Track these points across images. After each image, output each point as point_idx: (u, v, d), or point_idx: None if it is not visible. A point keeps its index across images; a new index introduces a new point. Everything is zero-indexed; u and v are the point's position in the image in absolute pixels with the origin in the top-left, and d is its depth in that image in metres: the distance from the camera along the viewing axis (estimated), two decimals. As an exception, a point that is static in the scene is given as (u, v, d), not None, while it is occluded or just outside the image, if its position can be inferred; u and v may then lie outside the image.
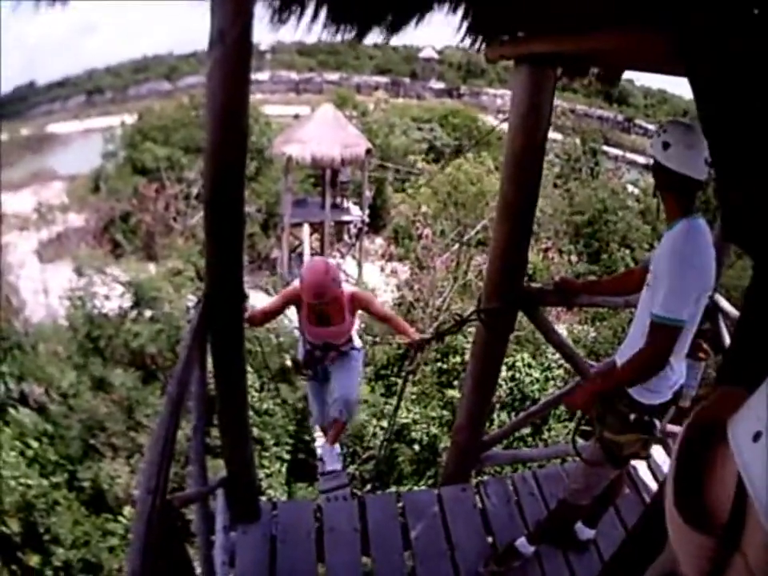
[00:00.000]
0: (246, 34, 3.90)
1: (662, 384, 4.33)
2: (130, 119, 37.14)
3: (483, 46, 5.27)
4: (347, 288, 7.02)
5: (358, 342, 7.66)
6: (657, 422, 4.50)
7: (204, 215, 4.68)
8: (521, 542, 5.83)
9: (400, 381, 9.95)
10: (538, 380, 13.29)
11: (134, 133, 34.38)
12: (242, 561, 5.73)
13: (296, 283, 6.90)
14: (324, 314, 6.96)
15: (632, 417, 4.43)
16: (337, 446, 8.06)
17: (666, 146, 4.06)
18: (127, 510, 11.21)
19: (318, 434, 9.13)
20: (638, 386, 4.34)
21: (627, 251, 23.24)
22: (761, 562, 1.16)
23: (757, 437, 1.17)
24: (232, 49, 3.87)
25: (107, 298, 16.28)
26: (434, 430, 12.92)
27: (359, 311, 7.41)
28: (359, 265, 27.21)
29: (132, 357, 15.06)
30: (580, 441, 5.57)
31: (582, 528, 5.99)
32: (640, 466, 7.03)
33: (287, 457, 13.16)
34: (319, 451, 8.69)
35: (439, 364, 15.02)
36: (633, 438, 4.54)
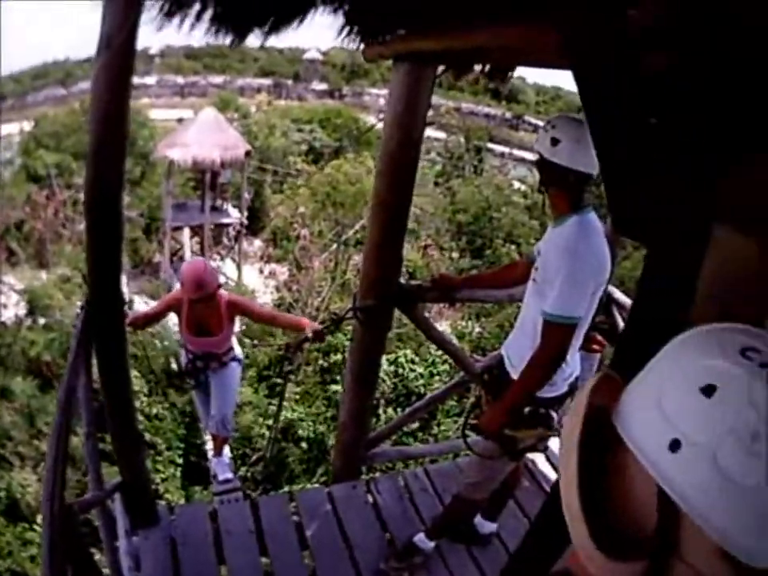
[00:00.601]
0: (131, 39, 3.93)
1: (557, 377, 4.35)
2: (28, 126, 36.74)
3: (363, 45, 5.32)
4: (224, 294, 7.15)
5: (238, 351, 7.84)
6: (553, 414, 4.53)
7: (85, 221, 4.71)
8: (419, 537, 5.87)
9: (282, 382, 10.03)
10: (422, 375, 13.54)
11: (29, 140, 34.13)
12: (146, 565, 5.69)
13: (176, 287, 7.05)
14: (203, 324, 7.11)
15: (527, 410, 4.46)
16: (225, 452, 8.43)
17: (555, 141, 4.09)
18: (40, 518, 11.09)
19: (209, 436, 8.99)
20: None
21: (513, 246, 23.46)
22: (714, 566, 1.13)
23: (674, 446, 1.15)
24: (117, 54, 3.92)
25: (4, 306, 16.16)
26: (320, 427, 13.16)
27: (238, 317, 7.83)
28: (238, 267, 27.51)
29: (29, 365, 15.06)
30: (472, 435, 5.62)
31: (482, 522, 6.04)
32: (538, 458, 7.16)
33: (180, 461, 13.22)
34: (211, 461, 8.71)
35: (321, 362, 15.13)
36: (529, 433, 4.57)
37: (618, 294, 6.74)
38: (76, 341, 4.63)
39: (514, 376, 4.56)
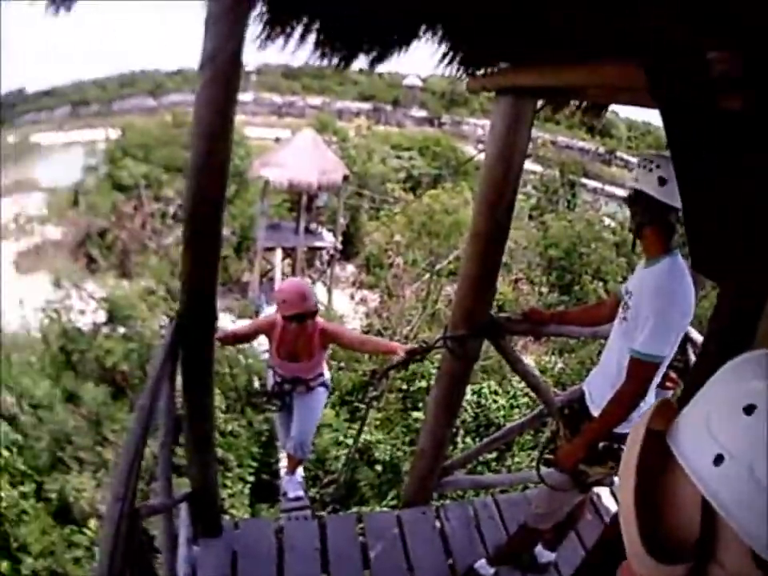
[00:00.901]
0: (237, 55, 3.95)
1: (634, 413, 4.29)
2: (114, 134, 36.96)
3: (465, 76, 5.32)
4: (318, 321, 6.91)
5: (327, 376, 7.62)
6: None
7: (183, 234, 4.71)
8: (480, 563, 5.89)
9: (364, 407, 9.95)
10: (503, 407, 13.31)
11: (115, 148, 34.04)
12: (203, 574, 5.73)
13: (266, 311, 6.98)
14: (294, 349, 6.91)
15: (601, 445, 4.46)
16: (298, 472, 8.36)
17: (662, 181, 4.03)
18: (93, 522, 11.17)
19: (284, 454, 8.98)
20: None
21: (600, 283, 23.11)
22: (743, 567, 1.21)
23: (718, 460, 1.21)
24: (222, 70, 3.93)
25: (82, 312, 16.27)
26: (397, 452, 12.95)
27: (330, 344, 7.45)
28: (329, 291, 27.07)
29: (103, 372, 15.05)
30: (543, 468, 5.60)
31: (542, 551, 6.01)
32: (603, 492, 7.07)
33: (250, 478, 13.11)
34: (283, 479, 8.74)
35: (404, 386, 15.02)
36: (602, 468, 4.59)
37: (694, 333, 6.60)
38: (164, 349, 4.64)
39: (594, 413, 4.57)
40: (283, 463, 9.25)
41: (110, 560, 2.95)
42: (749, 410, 1.19)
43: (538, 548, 6.01)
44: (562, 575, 6.04)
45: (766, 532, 1.13)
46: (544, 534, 5.60)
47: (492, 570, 5.88)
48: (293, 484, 8.21)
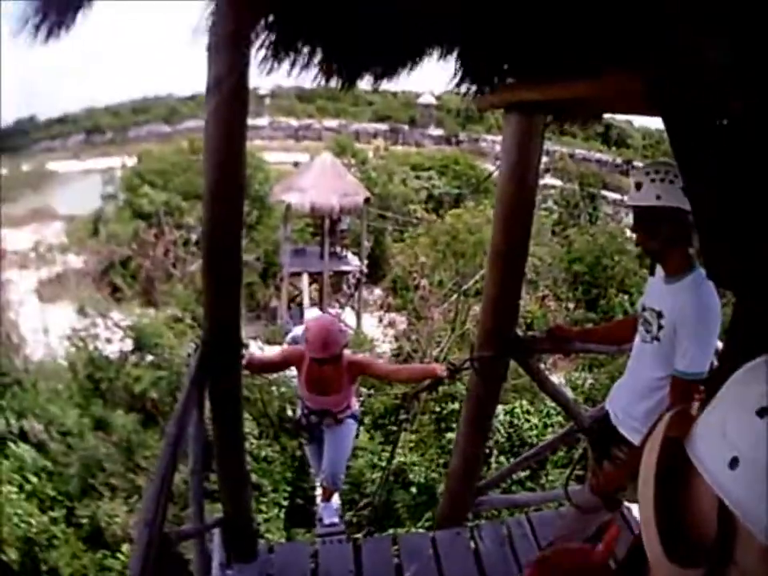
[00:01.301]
0: (243, 80, 4.04)
1: None
2: (130, 161, 37.07)
3: (474, 93, 5.33)
4: (347, 354, 6.79)
5: (355, 407, 7.62)
6: None
7: (203, 262, 4.80)
8: None
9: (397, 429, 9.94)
10: (536, 426, 13.26)
11: (132, 176, 34.23)
12: (237, 598, 5.71)
13: (297, 333, 6.96)
14: (322, 382, 6.74)
15: None
16: (335, 499, 8.42)
17: (672, 181, 3.93)
18: (125, 547, 11.15)
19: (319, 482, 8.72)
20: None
21: (625, 296, 23.00)
22: (761, 569, 1.23)
23: (733, 463, 1.23)
24: (229, 96, 3.98)
25: (109, 341, 16.33)
26: (432, 474, 12.90)
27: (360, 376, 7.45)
28: (358, 315, 27.05)
29: (132, 400, 15.07)
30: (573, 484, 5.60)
31: None
32: (635, 507, 7.02)
33: (285, 503, 13.09)
34: (319, 506, 8.75)
35: (437, 409, 14.98)
36: (633, 486, 4.56)
37: (717, 343, 6.64)
38: (189, 379, 4.69)
39: (624, 432, 4.54)
40: (318, 491, 9.28)
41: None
42: (762, 413, 1.22)
43: None
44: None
45: None
46: None
47: None
48: (329, 511, 8.23)
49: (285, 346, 7.77)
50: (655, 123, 63.34)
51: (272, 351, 8.36)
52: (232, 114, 4.13)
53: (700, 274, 4.00)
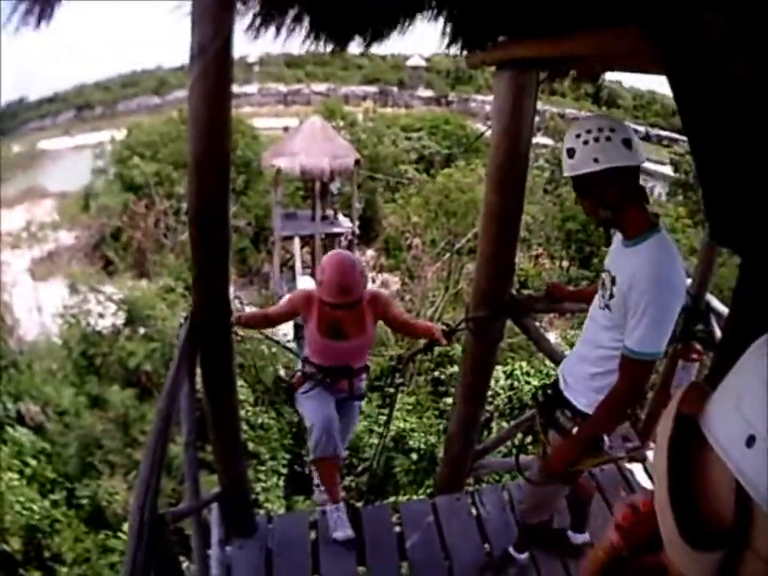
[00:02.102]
0: (226, 47, 3.90)
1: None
2: (120, 135, 37.02)
3: (465, 52, 5.25)
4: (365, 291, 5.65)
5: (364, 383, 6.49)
6: (605, 438, 4.23)
7: (189, 232, 4.69)
8: (512, 549, 5.80)
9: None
10: (536, 387, 13.26)
11: (122, 149, 34.16)
12: (237, 575, 5.75)
13: (305, 286, 6.37)
14: (341, 327, 5.65)
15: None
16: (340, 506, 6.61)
17: (628, 143, 3.58)
18: (126, 526, 11.14)
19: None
20: (591, 403, 4.18)
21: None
22: None
23: (750, 441, 1.19)
24: (212, 63, 3.87)
25: (101, 315, 16.29)
26: (431, 438, 12.93)
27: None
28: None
29: (127, 374, 15.12)
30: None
31: (573, 535, 5.93)
32: (636, 468, 7.04)
33: (284, 471, 13.10)
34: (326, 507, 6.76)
35: (435, 373, 14.97)
36: (588, 462, 4.37)
37: (716, 303, 6.49)
38: (180, 350, 4.63)
39: (572, 399, 4.38)
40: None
41: (131, 571, 2.94)
42: None
43: (569, 532, 5.94)
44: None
45: None
46: (548, 521, 5.52)
47: (524, 555, 5.79)
48: (341, 523, 6.44)
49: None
50: (645, 84, 63.71)
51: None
52: (216, 81, 4.02)
53: (661, 237, 3.76)
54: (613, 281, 3.90)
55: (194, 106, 4.11)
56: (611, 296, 3.90)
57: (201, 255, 4.67)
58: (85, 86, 69.17)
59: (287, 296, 6.34)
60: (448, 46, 5.06)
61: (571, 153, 3.71)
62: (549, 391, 4.77)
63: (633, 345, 3.67)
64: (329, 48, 4.53)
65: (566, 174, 3.83)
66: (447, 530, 6.28)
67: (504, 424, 12.44)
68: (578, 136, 3.67)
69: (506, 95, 5.15)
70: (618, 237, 4.05)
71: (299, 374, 6.15)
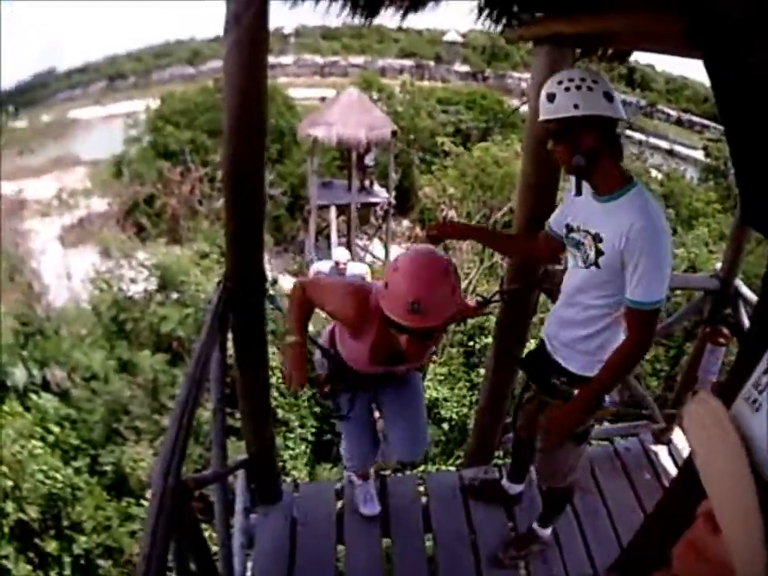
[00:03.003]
0: (262, 17, 3.89)
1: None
2: (153, 104, 37.08)
3: (503, 27, 5.21)
4: None
5: None
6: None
7: (225, 200, 4.72)
8: (536, 524, 5.77)
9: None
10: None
11: (156, 117, 34.29)
12: (261, 543, 5.75)
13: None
14: (400, 348, 3.99)
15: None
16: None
17: (609, 96, 3.67)
18: (149, 493, 11.15)
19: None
20: (585, 365, 4.24)
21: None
22: None
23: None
24: (247, 32, 3.87)
25: (133, 281, 16.31)
26: (464, 409, 13.01)
27: None
28: (386, 247, 27.20)
29: (158, 340, 15.14)
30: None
31: (538, 528, 5.80)
32: (661, 450, 7.01)
33: (312, 438, 13.13)
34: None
35: (469, 344, 14.95)
36: (603, 412, 4.45)
37: (744, 289, 6.50)
38: (211, 315, 4.59)
39: (558, 358, 4.40)
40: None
41: (153, 537, 2.91)
42: None
43: (535, 524, 5.81)
44: (620, 537, 5.94)
45: None
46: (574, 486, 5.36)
47: (548, 531, 5.74)
48: (368, 497, 6.14)
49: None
50: (678, 68, 63.61)
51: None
52: (251, 50, 4.01)
53: (640, 190, 3.81)
54: (596, 238, 3.89)
55: (229, 73, 4.11)
56: (599, 253, 3.87)
57: (235, 221, 4.67)
58: (117, 56, 69.37)
59: (331, 280, 5.80)
60: (485, 20, 5.02)
61: (551, 97, 3.74)
62: (535, 359, 4.75)
63: (640, 297, 3.69)
64: (362, 19, 4.52)
65: (542, 117, 3.84)
66: (472, 503, 6.26)
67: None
68: (560, 83, 3.71)
69: (542, 70, 5.05)
70: (585, 195, 3.99)
71: (322, 373, 4.99)
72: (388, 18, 4.64)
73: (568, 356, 4.34)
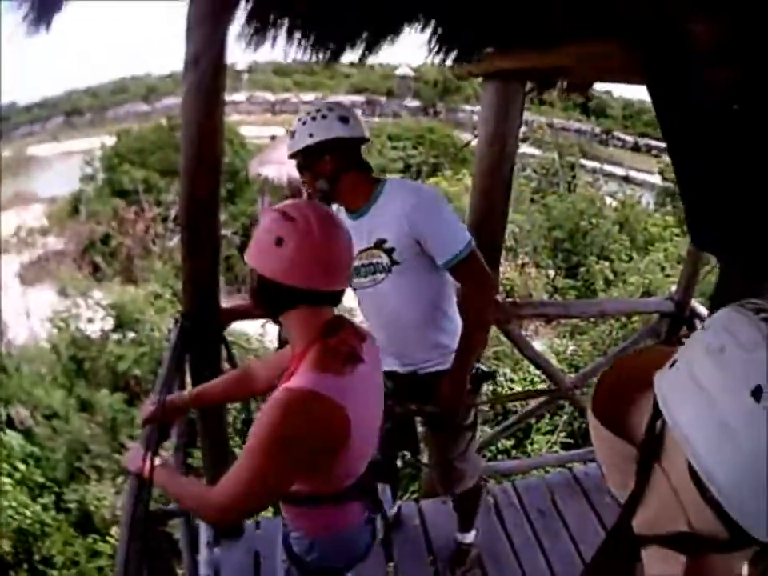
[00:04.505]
0: (220, 57, 4.03)
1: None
2: (109, 141, 37.03)
3: (452, 62, 5.33)
4: None
5: None
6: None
7: (181, 236, 4.80)
8: (460, 536, 5.95)
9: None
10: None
11: (112, 155, 34.14)
12: (226, 574, 5.78)
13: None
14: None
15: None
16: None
17: (344, 119, 3.91)
18: (114, 530, 11.17)
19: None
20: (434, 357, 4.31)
21: (606, 263, 22.93)
22: (683, 482, 1.38)
23: (672, 364, 1.46)
24: (206, 73, 3.98)
25: (90, 320, 16.33)
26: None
27: None
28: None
29: (116, 379, 15.11)
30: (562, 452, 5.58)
31: (462, 535, 6.04)
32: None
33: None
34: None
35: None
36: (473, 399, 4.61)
37: (701, 309, 6.73)
38: (170, 353, 4.65)
39: (428, 368, 4.39)
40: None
41: (124, 567, 2.99)
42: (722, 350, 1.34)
43: (458, 533, 6.02)
44: (581, 553, 6.04)
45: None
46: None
47: (472, 534, 5.97)
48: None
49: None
50: (635, 94, 63.79)
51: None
52: (210, 89, 4.13)
53: (389, 180, 4.07)
54: (379, 245, 3.99)
55: (186, 111, 4.21)
56: (390, 252, 3.96)
57: (192, 259, 4.76)
58: (74, 91, 69.16)
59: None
60: (435, 57, 5.15)
61: (292, 134, 4.02)
62: (395, 384, 4.52)
63: (453, 250, 3.85)
64: (323, 58, 4.62)
65: (287, 153, 4.12)
66: (433, 532, 6.34)
67: (487, 429, 12.51)
68: (299, 119, 4.00)
69: (492, 105, 5.28)
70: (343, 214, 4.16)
71: None
72: (345, 59, 4.79)
73: (436, 363, 4.36)
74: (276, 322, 3.10)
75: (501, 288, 6.82)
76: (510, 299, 6.55)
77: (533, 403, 7.89)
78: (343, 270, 2.92)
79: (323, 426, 2.67)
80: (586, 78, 5.53)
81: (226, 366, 5.74)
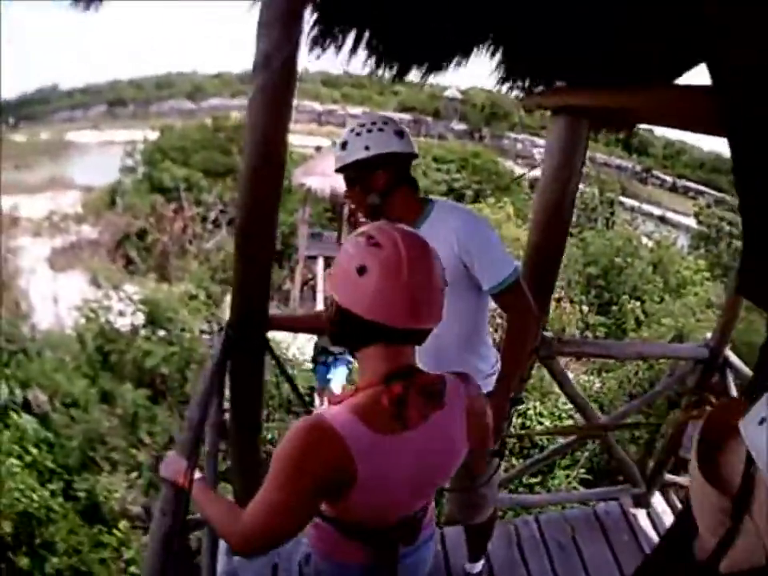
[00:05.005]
0: (292, 60, 3.91)
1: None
2: (152, 135, 37.13)
3: (521, 94, 5.29)
4: None
5: None
6: None
7: (235, 243, 4.67)
8: (468, 566, 5.96)
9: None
10: (547, 429, 13.26)
11: (153, 150, 34.42)
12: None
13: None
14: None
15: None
16: None
17: (401, 134, 3.83)
18: (122, 523, 11.14)
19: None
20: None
21: (638, 303, 22.76)
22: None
23: (762, 421, 1.52)
24: (277, 75, 3.88)
25: (121, 314, 16.35)
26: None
27: None
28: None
29: (141, 375, 15.13)
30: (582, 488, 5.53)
31: (471, 566, 6.06)
32: (640, 514, 7.06)
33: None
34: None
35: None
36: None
37: (733, 357, 6.58)
38: (214, 362, 4.55)
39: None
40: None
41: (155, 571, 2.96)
42: None
43: (467, 564, 6.04)
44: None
45: None
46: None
47: (479, 564, 5.98)
48: None
49: None
50: (676, 134, 63.85)
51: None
52: (279, 93, 4.04)
53: (438, 201, 4.00)
54: None
55: (253, 116, 4.11)
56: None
57: (244, 267, 4.66)
58: (118, 81, 69.52)
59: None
60: (503, 83, 5.10)
61: (344, 145, 3.86)
62: None
63: (501, 276, 3.74)
64: (389, 74, 4.58)
65: (337, 166, 3.94)
66: (453, 560, 6.23)
67: (514, 461, 12.45)
68: (352, 130, 3.86)
69: (559, 140, 5.17)
70: None
71: None
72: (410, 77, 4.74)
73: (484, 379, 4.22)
74: (351, 354, 2.82)
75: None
76: (549, 334, 6.49)
77: (561, 439, 7.81)
78: (433, 305, 2.61)
79: (324, 459, 2.45)
80: (652, 120, 5.48)
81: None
